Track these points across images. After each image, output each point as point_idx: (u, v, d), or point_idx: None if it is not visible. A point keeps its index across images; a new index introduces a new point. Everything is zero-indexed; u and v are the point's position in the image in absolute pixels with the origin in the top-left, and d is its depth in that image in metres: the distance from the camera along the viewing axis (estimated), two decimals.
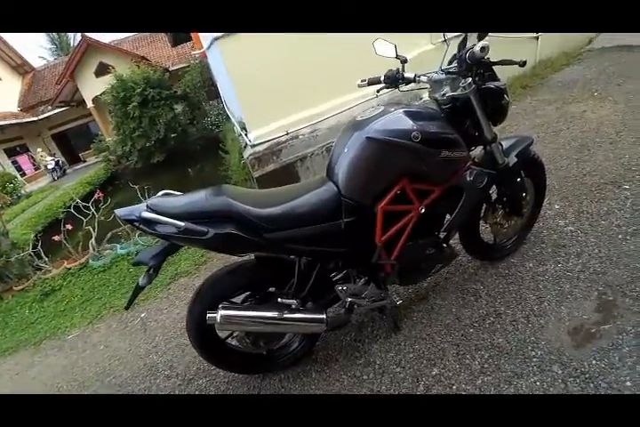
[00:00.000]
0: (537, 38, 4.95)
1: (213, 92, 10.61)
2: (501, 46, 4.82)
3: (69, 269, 3.71)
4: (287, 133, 3.52)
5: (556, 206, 2.13)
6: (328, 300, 1.48)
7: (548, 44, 5.06)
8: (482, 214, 1.68)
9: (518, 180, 1.62)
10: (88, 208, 4.01)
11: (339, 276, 1.48)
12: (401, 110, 1.30)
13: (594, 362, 1.27)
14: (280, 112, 3.52)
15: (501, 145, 1.55)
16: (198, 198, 1.21)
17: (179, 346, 2.13)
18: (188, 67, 11.44)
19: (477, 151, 1.56)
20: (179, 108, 11.16)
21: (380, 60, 1.54)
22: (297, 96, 3.49)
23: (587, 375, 1.24)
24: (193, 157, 10.67)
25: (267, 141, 3.55)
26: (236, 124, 3.89)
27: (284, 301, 1.37)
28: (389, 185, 1.30)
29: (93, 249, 3.73)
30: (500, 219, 1.69)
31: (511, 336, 1.46)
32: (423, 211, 1.37)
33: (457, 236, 1.73)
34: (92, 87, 13.68)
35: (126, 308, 1.40)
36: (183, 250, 3.17)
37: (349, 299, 1.41)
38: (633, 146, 2.55)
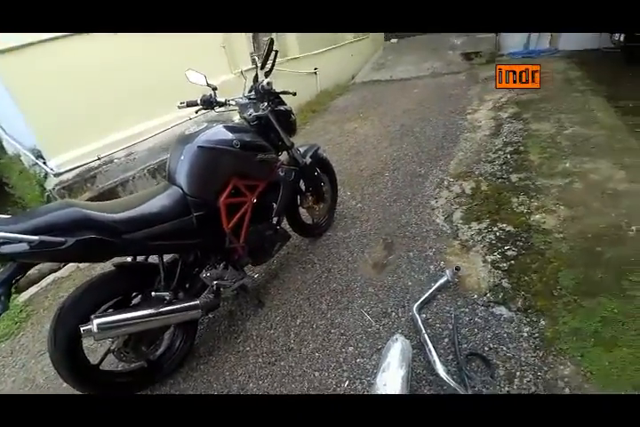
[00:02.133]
0: (315, 73, 6.30)
1: None
2: (293, 78, 5.86)
3: None
4: (99, 158, 3.29)
5: (348, 193, 2.96)
6: (197, 288, 1.68)
7: (325, 78, 6.55)
8: (299, 202, 2.23)
9: (316, 174, 2.25)
10: None
11: (201, 265, 1.71)
12: (221, 125, 1.69)
13: (389, 278, 1.96)
14: (88, 135, 3.29)
15: (299, 150, 2.14)
16: (45, 213, 1.21)
17: None
18: None
19: (284, 155, 2.10)
20: None
21: (190, 85, 1.85)
22: (107, 118, 3.35)
23: (387, 287, 1.90)
24: None
25: (75, 168, 3.20)
26: (26, 153, 3.32)
27: (157, 294, 1.50)
28: (225, 183, 1.63)
29: None
30: (311, 204, 2.27)
31: (340, 280, 2.03)
32: (255, 201, 1.77)
33: (291, 223, 2.23)
34: None
35: None
36: None
37: (215, 282, 1.66)
38: (386, 149, 3.74)
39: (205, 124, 1.69)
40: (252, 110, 1.85)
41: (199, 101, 1.87)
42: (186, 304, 1.56)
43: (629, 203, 2.14)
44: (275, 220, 2.01)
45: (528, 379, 1.35)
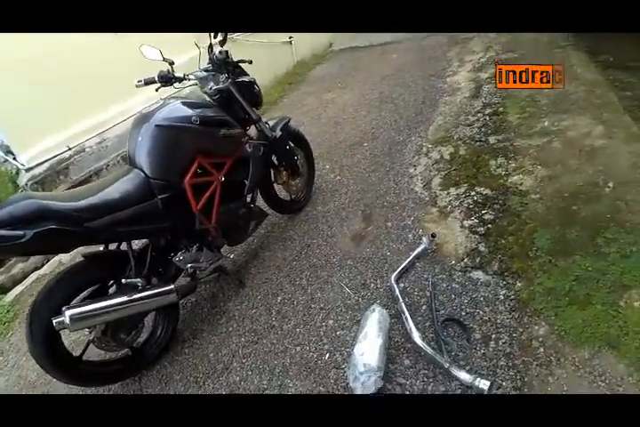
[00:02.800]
0: (290, 42, 5.97)
1: None
2: (267, 49, 5.55)
3: None
4: (69, 148, 3.17)
5: (327, 166, 2.88)
6: (172, 273, 1.65)
7: (301, 47, 6.22)
8: (273, 178, 2.15)
9: (288, 147, 2.16)
10: None
11: (174, 249, 1.67)
12: (178, 101, 1.59)
13: (367, 250, 1.95)
14: (55, 125, 3.14)
15: (268, 124, 2.04)
16: (2, 207, 1.17)
17: None
18: None
19: (252, 129, 2.00)
20: None
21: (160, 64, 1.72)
22: (74, 106, 3.18)
23: (366, 258, 1.89)
24: None
25: (46, 161, 3.08)
26: None
27: (128, 281, 1.47)
28: (188, 162, 1.56)
29: None
30: (286, 179, 2.20)
31: (320, 255, 2.01)
32: (223, 179, 1.70)
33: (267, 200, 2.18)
34: None
35: None
36: None
37: (189, 265, 1.63)
38: (365, 118, 3.61)
39: (162, 102, 1.59)
40: (212, 84, 1.74)
41: (157, 78, 1.75)
42: (160, 290, 1.53)
43: (606, 159, 2.11)
44: (248, 198, 1.95)
45: (504, 341, 1.37)
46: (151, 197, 1.46)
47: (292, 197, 2.36)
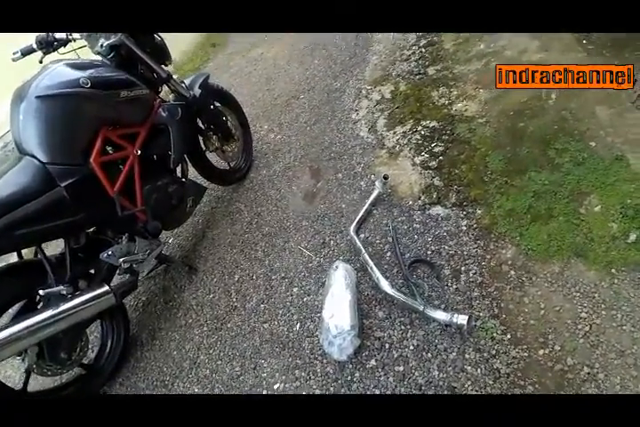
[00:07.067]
0: None
1: None
2: None
3: None
4: None
5: (265, 126, 2.63)
6: (105, 272, 1.43)
7: None
8: (203, 146, 1.90)
9: (213, 108, 1.89)
10: None
11: (102, 244, 1.44)
12: (61, 64, 1.27)
13: (321, 206, 1.80)
14: None
15: (184, 82, 1.74)
16: None
17: None
18: None
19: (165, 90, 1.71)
20: None
21: None
22: None
23: (321, 216, 1.75)
24: None
25: None
26: None
27: (48, 292, 1.25)
28: (91, 137, 1.28)
29: None
30: (218, 145, 1.95)
31: (272, 222, 1.84)
32: (140, 153, 1.44)
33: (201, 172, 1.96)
34: None
35: None
36: None
37: (122, 260, 1.41)
38: (298, 69, 3.31)
39: (40, 69, 1.27)
40: (102, 40, 1.41)
41: (35, 45, 1.43)
42: (92, 294, 1.32)
43: None
44: (178, 172, 1.71)
45: (473, 271, 1.30)
46: (52, 187, 1.20)
47: (231, 164, 2.13)
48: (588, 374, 1.01)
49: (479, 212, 1.46)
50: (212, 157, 2.02)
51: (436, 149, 1.79)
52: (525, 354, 1.09)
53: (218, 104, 1.97)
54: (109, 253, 1.39)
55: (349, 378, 1.20)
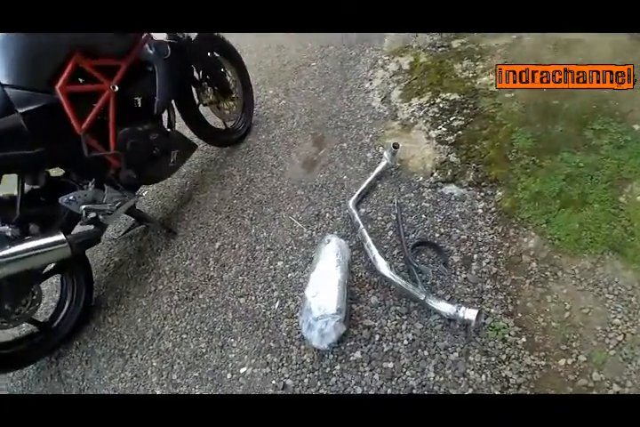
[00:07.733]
0: None
1: None
2: None
3: None
4: None
5: (270, 91, 2.42)
6: (63, 219, 1.25)
7: None
8: (196, 99, 1.70)
9: (209, 55, 1.68)
10: None
11: (65, 187, 1.27)
12: None
13: (321, 176, 1.61)
14: None
15: None
16: None
17: None
18: None
19: None
20: None
21: None
22: None
23: (319, 186, 1.57)
24: None
25: None
26: None
27: None
28: (60, 61, 1.11)
29: None
30: (213, 98, 1.75)
31: (265, 189, 1.66)
32: (117, 89, 1.25)
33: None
34: None
35: None
36: None
37: (83, 207, 1.23)
38: (311, 36, 3.04)
39: None
40: None
41: None
42: (41, 241, 1.14)
43: (584, 51, 1.81)
44: (164, 120, 1.52)
45: (487, 260, 1.13)
46: (8, 112, 1.05)
47: (228, 125, 1.93)
48: (618, 393, 0.84)
49: (499, 193, 1.27)
50: (210, 119, 1.85)
51: (455, 123, 1.59)
52: (542, 363, 0.92)
53: (217, 54, 1.76)
54: (70, 197, 1.21)
55: (328, 370, 1.04)
